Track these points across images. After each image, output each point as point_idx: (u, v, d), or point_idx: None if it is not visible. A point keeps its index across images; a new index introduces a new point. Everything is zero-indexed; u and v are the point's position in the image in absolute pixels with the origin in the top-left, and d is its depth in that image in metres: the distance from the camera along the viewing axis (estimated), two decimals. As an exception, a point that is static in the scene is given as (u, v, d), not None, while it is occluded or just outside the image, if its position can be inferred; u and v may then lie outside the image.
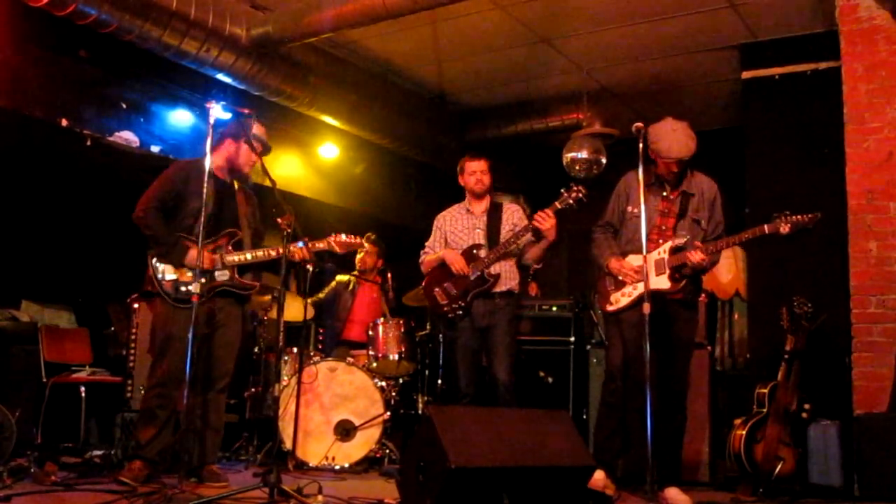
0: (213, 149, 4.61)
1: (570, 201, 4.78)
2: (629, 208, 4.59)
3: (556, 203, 4.81)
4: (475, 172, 5.17)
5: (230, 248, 4.49)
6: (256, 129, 4.63)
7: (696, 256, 4.31)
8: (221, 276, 4.45)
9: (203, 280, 4.34)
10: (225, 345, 4.50)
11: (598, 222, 4.77)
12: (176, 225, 4.43)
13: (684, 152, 4.40)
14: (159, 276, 4.36)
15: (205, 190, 4.10)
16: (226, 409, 4.69)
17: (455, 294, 5.02)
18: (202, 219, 4.09)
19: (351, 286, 6.78)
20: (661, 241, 4.49)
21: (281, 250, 4.27)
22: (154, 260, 4.38)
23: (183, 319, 4.26)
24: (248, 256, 4.47)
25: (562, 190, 4.82)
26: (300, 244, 4.43)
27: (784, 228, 4.21)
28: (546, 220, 4.79)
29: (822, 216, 4.21)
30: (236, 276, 4.50)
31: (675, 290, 4.42)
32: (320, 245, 4.58)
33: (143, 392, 5.46)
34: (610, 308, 4.63)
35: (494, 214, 5.19)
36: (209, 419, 4.46)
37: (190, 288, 4.24)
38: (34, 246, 6.29)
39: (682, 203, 4.53)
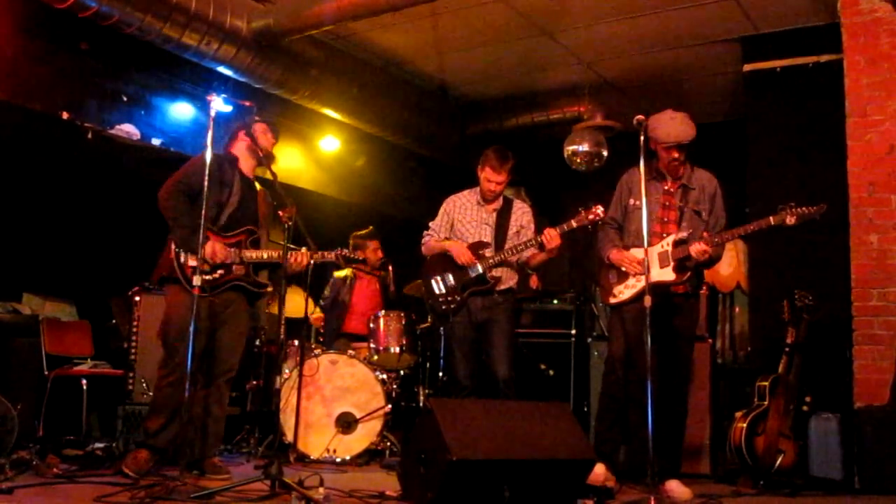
0: (228, 147, 4.64)
1: (586, 222, 4.70)
2: (631, 201, 4.61)
3: (573, 221, 4.72)
4: (491, 182, 5.01)
5: (248, 244, 4.49)
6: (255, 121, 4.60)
7: (698, 248, 4.31)
8: (238, 270, 4.44)
9: (221, 272, 4.36)
10: (232, 339, 4.49)
11: (602, 218, 4.77)
12: (196, 214, 4.30)
13: (682, 137, 4.42)
14: (182, 260, 4.28)
15: (205, 186, 4.08)
16: (228, 402, 4.68)
17: (452, 286, 4.98)
18: (204, 209, 4.08)
19: (348, 280, 6.78)
20: (663, 234, 4.50)
21: (296, 257, 4.43)
22: (175, 245, 4.32)
23: (202, 309, 4.24)
24: (265, 255, 4.46)
25: (580, 209, 4.72)
26: (307, 252, 4.47)
27: (790, 220, 4.20)
28: (553, 241, 4.74)
29: (827, 207, 4.21)
30: (252, 273, 4.50)
31: (679, 281, 4.43)
32: (329, 256, 4.56)
33: (143, 382, 5.52)
34: (613, 300, 4.64)
35: (504, 212, 5.11)
36: (212, 412, 4.46)
37: (206, 277, 4.16)
38: (35, 239, 6.28)
39: (683, 195, 4.55)
